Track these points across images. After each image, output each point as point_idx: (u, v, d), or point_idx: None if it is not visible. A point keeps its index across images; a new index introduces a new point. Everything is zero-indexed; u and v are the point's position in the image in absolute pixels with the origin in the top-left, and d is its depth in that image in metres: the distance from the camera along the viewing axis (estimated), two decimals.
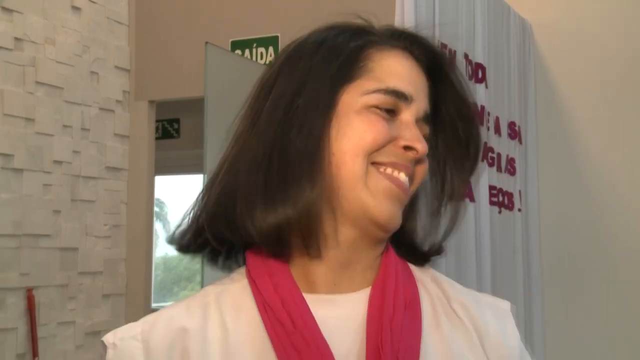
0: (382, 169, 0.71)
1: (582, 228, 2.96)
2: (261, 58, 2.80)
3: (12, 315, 2.44)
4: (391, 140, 0.71)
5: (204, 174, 2.34)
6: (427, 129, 0.75)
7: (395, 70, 0.72)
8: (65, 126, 2.66)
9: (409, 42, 0.74)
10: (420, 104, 0.73)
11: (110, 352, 0.68)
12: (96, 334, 2.74)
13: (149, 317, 0.71)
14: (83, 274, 2.74)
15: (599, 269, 2.86)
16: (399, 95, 0.71)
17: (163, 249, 5.35)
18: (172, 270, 5.51)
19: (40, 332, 2.51)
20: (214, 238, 0.71)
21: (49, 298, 2.60)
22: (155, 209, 4.94)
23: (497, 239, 2.42)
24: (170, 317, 0.70)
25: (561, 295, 2.73)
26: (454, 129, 0.77)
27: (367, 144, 0.70)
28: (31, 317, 2.50)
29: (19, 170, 2.49)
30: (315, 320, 0.67)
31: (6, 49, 2.44)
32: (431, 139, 0.76)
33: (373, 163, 0.71)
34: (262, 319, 0.68)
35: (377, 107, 0.70)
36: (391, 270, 0.74)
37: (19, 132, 2.51)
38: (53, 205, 2.61)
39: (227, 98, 2.45)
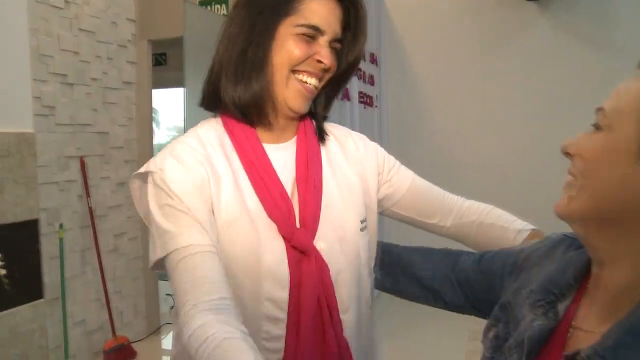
0: (299, 76, 0.90)
1: (413, 119, 3.80)
2: (218, 11, 3.37)
3: (73, 173, 3.09)
4: (310, 56, 0.89)
5: (184, 87, 2.97)
6: (337, 45, 0.94)
7: (316, 11, 0.89)
8: (97, 56, 3.21)
9: None
10: (332, 33, 0.91)
11: (159, 172, 0.86)
12: (122, 184, 3.44)
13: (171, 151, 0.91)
14: (112, 148, 3.37)
15: (424, 148, 3.70)
16: (317, 29, 0.89)
17: (157, 139, 6.48)
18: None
19: (90, 183, 3.18)
20: (210, 101, 0.95)
21: (93, 162, 3.22)
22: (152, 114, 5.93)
23: (362, 125, 3.27)
24: (190, 146, 0.91)
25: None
26: (355, 40, 0.96)
27: (292, 58, 0.89)
28: (83, 174, 3.13)
29: (71, 84, 3.04)
30: (268, 159, 0.92)
31: (59, 7, 2.95)
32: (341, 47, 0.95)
33: (295, 71, 0.90)
34: (239, 156, 0.91)
35: (303, 34, 0.88)
36: (302, 130, 0.98)
37: (69, 60, 3.02)
38: (92, 105, 3.20)
39: (198, 39, 2.95)
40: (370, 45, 3.36)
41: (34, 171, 2.30)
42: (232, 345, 0.71)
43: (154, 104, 6.44)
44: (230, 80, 0.90)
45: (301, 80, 0.90)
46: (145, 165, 0.90)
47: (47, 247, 2.90)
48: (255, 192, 0.89)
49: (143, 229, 3.69)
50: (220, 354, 0.71)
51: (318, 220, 0.91)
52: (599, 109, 0.69)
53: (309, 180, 0.92)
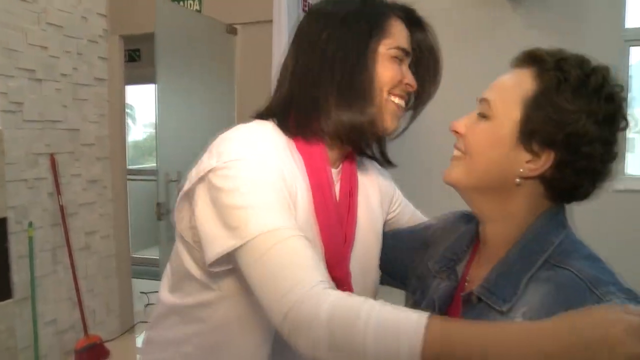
0: (391, 97, 0.91)
1: None
2: (190, 6, 3.33)
3: (43, 170, 3.02)
4: (401, 79, 0.91)
5: (156, 84, 2.85)
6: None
7: (401, 33, 0.91)
8: (66, 51, 3.12)
9: (405, 13, 0.94)
10: (411, 56, 0.94)
11: (237, 161, 0.81)
12: (94, 182, 3.39)
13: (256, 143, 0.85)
14: (83, 145, 3.29)
15: (396, 143, 3.78)
16: (405, 52, 0.92)
17: (133, 136, 6.40)
18: (139, 147, 6.37)
19: (61, 180, 3.09)
20: (285, 119, 0.90)
21: (63, 159, 3.13)
22: (127, 110, 5.86)
23: None
24: (270, 142, 0.86)
25: None
26: (427, 64, 0.99)
27: (394, 80, 0.91)
28: (53, 171, 3.05)
29: (39, 80, 2.96)
30: (334, 184, 0.93)
31: (26, 1, 2.87)
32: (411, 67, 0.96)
33: (388, 92, 0.91)
34: (308, 175, 0.89)
35: (395, 57, 0.90)
36: (349, 156, 0.98)
37: (38, 55, 2.94)
38: (62, 102, 3.11)
39: (171, 35, 2.92)
40: None
41: (2, 169, 2.29)
42: (389, 308, 0.67)
43: (130, 101, 6.44)
44: (339, 105, 0.87)
45: (394, 102, 0.91)
46: (198, 169, 0.85)
47: (16, 246, 2.84)
48: (315, 213, 0.88)
49: (115, 226, 3.64)
50: (388, 313, 0.65)
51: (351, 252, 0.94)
52: (483, 100, 0.83)
53: (350, 211, 0.94)
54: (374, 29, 0.88)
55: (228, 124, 3.42)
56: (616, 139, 0.80)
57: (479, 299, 0.79)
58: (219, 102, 3.38)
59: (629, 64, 3.45)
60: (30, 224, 2.96)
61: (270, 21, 2.89)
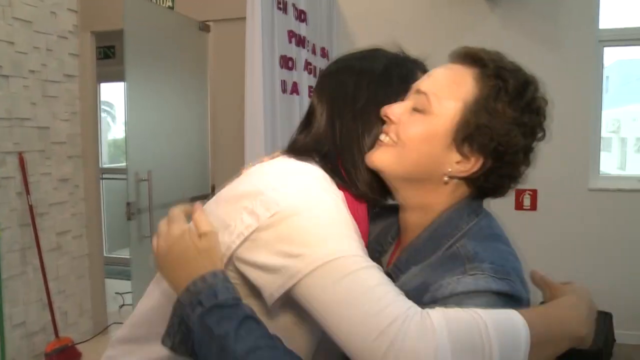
0: None
1: None
2: (163, 3, 3.28)
3: (11, 169, 2.93)
4: None
5: (125, 82, 2.77)
6: None
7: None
8: (35, 47, 3.04)
9: (424, 70, 0.93)
10: None
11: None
12: (65, 180, 3.31)
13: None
14: (54, 143, 3.21)
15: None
16: None
17: (113, 134, 6.30)
18: (119, 146, 6.21)
19: (30, 179, 3.01)
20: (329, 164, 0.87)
21: (33, 158, 3.06)
22: (107, 108, 5.75)
23: None
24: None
25: None
26: None
27: None
28: (22, 170, 2.98)
29: (6, 76, 2.88)
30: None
31: None
32: None
33: None
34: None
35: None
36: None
37: (4, 51, 2.85)
38: (31, 99, 3.03)
39: (140, 32, 2.82)
40: (320, 39, 3.28)
41: None
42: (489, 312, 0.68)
43: (109, 99, 6.33)
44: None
45: None
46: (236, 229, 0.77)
47: None
48: None
49: (89, 226, 3.56)
50: (495, 318, 0.65)
51: None
52: (421, 92, 0.82)
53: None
54: (402, 88, 0.88)
55: (201, 122, 3.37)
56: (534, 148, 0.84)
57: (390, 277, 0.79)
58: (192, 100, 3.32)
59: (603, 65, 3.45)
60: None
61: (244, 18, 2.82)
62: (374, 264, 0.72)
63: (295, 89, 3.07)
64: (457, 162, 0.80)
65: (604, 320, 3.18)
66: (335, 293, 0.65)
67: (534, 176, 3.15)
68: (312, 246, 0.69)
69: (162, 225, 0.81)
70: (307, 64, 3.14)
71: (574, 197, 3.44)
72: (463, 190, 0.84)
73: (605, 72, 3.52)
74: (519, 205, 3.54)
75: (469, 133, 0.78)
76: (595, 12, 3.35)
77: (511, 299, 0.72)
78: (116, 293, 4.21)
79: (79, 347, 3.30)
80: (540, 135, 0.83)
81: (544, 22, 3.41)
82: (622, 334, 3.33)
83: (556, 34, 3.39)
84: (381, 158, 0.84)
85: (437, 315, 0.63)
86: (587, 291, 0.80)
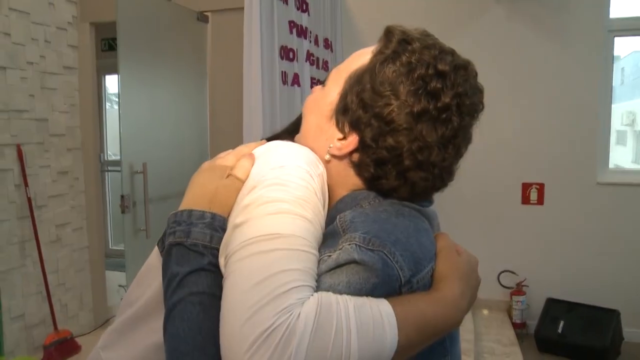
0: None
1: None
2: None
3: (9, 161, 2.88)
4: None
5: (118, 75, 2.69)
6: None
7: None
8: (33, 39, 2.98)
9: None
10: None
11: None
12: (65, 173, 3.24)
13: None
14: (52, 136, 3.15)
15: None
16: None
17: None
18: None
19: (28, 172, 2.97)
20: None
21: (31, 150, 3.00)
22: (115, 99, 5.66)
23: None
24: None
25: None
26: None
27: None
28: (21, 162, 2.94)
29: (3, 68, 2.81)
30: None
31: None
32: None
33: None
34: None
35: None
36: None
37: (0, 43, 2.77)
38: (29, 91, 2.97)
39: (134, 23, 2.78)
40: (324, 30, 3.18)
41: None
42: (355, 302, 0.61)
43: (115, 90, 6.29)
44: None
45: None
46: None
47: None
48: None
49: (89, 219, 3.52)
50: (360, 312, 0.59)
51: None
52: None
53: None
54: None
55: (200, 113, 3.29)
56: (443, 144, 0.68)
57: None
58: (191, 92, 3.25)
59: (613, 55, 3.31)
60: None
61: (242, 8, 2.75)
62: (309, 248, 0.62)
63: (296, 81, 2.98)
64: (339, 139, 0.72)
65: (612, 317, 3.09)
66: (239, 268, 0.59)
67: (542, 170, 3.07)
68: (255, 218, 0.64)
69: (225, 152, 0.79)
70: (309, 55, 3.05)
71: (582, 191, 3.33)
72: (354, 181, 0.73)
73: (621, 64, 3.40)
74: (525, 200, 3.45)
75: (345, 105, 0.71)
76: (605, 1, 3.22)
77: (380, 276, 0.60)
78: (119, 286, 4.17)
79: (79, 340, 3.26)
80: (444, 131, 0.67)
81: (550, 12, 3.29)
82: (631, 332, 3.22)
83: (563, 23, 3.27)
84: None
85: (305, 316, 0.55)
86: (474, 266, 0.72)
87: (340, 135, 0.73)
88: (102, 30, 3.49)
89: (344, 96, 0.72)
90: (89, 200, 3.47)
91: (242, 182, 0.69)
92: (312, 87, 3.21)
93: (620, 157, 3.83)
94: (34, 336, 3.11)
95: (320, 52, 3.27)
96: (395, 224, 0.66)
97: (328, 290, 0.60)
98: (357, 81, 0.71)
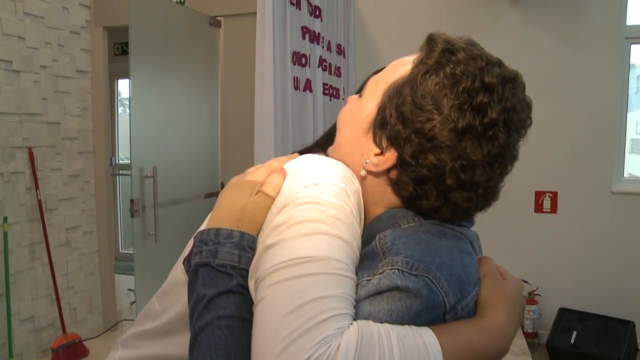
0: None
1: None
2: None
3: (20, 164, 2.88)
4: None
5: (129, 79, 2.62)
6: None
7: None
8: (46, 43, 2.98)
9: None
10: None
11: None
12: (76, 176, 3.22)
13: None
14: (64, 139, 3.15)
15: None
16: None
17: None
18: None
19: (39, 174, 2.96)
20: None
21: (43, 153, 2.99)
22: (127, 103, 5.65)
23: (327, 117, 3.09)
24: None
25: None
26: None
27: None
28: (32, 165, 2.93)
29: (16, 71, 2.82)
30: None
31: None
32: None
33: None
34: None
35: None
36: None
37: (14, 46, 2.79)
38: (42, 94, 2.96)
39: (146, 27, 2.75)
40: (337, 36, 3.15)
41: None
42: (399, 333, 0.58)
43: (129, 94, 6.29)
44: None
45: None
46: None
47: None
48: None
49: (99, 222, 3.50)
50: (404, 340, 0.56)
51: None
52: None
53: None
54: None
55: (212, 118, 3.27)
56: (488, 163, 0.62)
57: None
58: (202, 97, 3.22)
59: (629, 63, 3.25)
60: (5, 219, 2.82)
61: (255, 13, 2.73)
62: (346, 271, 0.58)
63: (308, 86, 2.95)
64: (376, 155, 0.67)
65: (626, 329, 3.01)
66: (271, 294, 0.55)
67: (555, 178, 2.97)
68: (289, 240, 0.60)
69: (255, 167, 0.75)
70: (322, 60, 3.02)
71: (596, 200, 3.26)
72: (391, 199, 0.67)
73: (637, 72, 3.33)
74: (538, 208, 3.38)
75: (383, 118, 0.66)
76: (622, 8, 3.16)
77: (424, 303, 0.56)
78: (129, 289, 4.15)
79: (87, 344, 3.24)
80: (489, 148, 0.62)
81: (566, 18, 3.24)
82: None
83: (579, 30, 3.21)
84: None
85: (345, 347, 0.51)
86: (519, 291, 0.67)
87: (377, 151, 0.68)
88: (115, 34, 3.49)
89: (382, 109, 0.67)
90: (99, 204, 3.45)
91: (273, 199, 0.65)
92: (325, 93, 3.19)
93: (635, 165, 3.75)
94: (43, 339, 3.09)
95: (333, 58, 3.24)
96: (439, 246, 0.61)
97: (367, 318, 0.55)
98: (396, 93, 0.66)
